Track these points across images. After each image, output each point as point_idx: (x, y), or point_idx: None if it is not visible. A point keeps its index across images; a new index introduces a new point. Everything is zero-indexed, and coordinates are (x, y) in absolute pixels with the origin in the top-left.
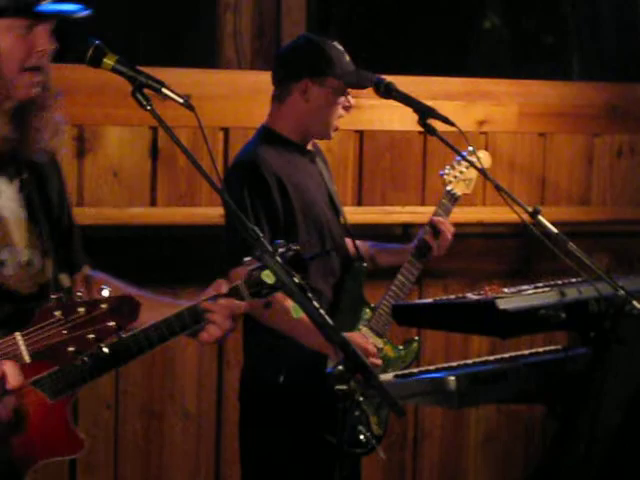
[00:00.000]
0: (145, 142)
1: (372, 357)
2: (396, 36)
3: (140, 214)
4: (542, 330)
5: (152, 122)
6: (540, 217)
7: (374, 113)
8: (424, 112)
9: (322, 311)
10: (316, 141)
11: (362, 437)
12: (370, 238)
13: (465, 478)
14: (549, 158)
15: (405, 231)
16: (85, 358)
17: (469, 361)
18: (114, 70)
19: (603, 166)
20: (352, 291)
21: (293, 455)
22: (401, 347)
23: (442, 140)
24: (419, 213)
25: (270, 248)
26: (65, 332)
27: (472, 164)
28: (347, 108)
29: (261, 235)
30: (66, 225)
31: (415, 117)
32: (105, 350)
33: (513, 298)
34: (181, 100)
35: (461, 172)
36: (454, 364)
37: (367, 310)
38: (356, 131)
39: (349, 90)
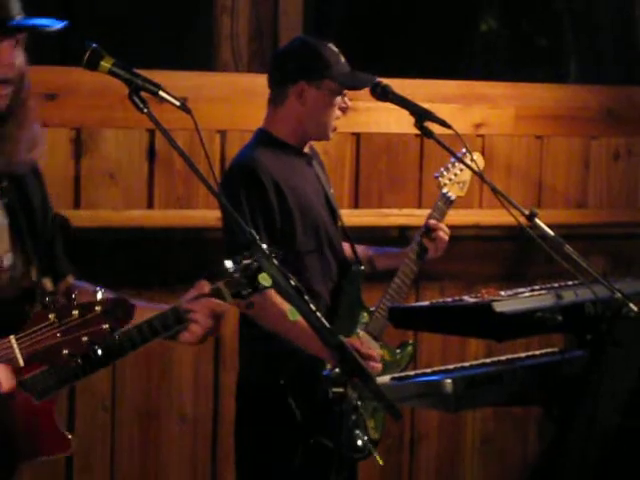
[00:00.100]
0: (142, 145)
1: (372, 362)
2: (392, 39)
3: (137, 217)
4: (539, 333)
5: (149, 125)
6: (537, 220)
7: (371, 116)
8: (421, 115)
9: (319, 314)
10: (313, 143)
11: (359, 442)
12: (367, 240)
13: None
14: (546, 161)
15: (402, 233)
16: (80, 361)
17: (466, 364)
18: (111, 73)
19: (600, 169)
20: (350, 294)
21: (289, 459)
22: (398, 350)
23: (439, 143)
24: (416, 215)
25: (267, 251)
26: (59, 335)
27: (469, 167)
28: (344, 110)
29: (258, 238)
30: (49, 233)
31: (412, 120)
32: (99, 352)
33: (510, 301)
34: (178, 103)
35: (455, 174)
36: (451, 367)
37: (365, 314)
38: (353, 133)
39: (345, 91)
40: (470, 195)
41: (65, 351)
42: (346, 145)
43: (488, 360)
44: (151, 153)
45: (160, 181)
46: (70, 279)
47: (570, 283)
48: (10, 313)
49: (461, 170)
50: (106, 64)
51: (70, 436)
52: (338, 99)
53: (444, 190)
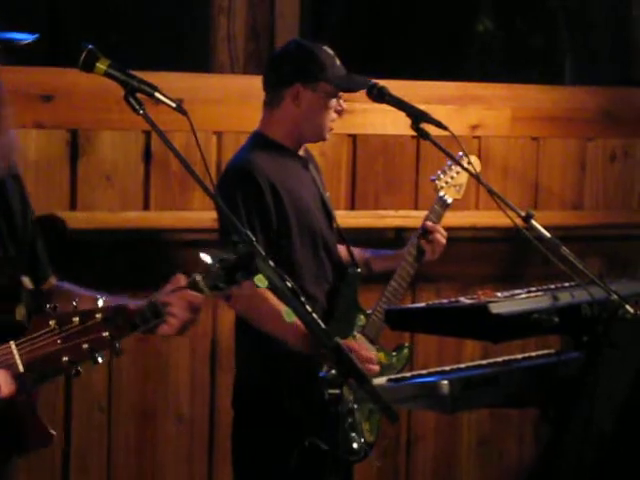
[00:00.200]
0: (138, 146)
1: (369, 364)
2: (389, 40)
3: (133, 218)
4: (535, 334)
5: (145, 126)
6: (533, 221)
7: (367, 117)
8: (417, 116)
9: (315, 315)
10: (308, 146)
11: (355, 445)
12: (363, 242)
13: None
14: (542, 162)
15: (398, 235)
16: (79, 368)
17: (462, 365)
18: (107, 74)
19: (596, 170)
20: (346, 297)
21: (285, 460)
22: (394, 353)
23: (435, 144)
24: (412, 217)
25: (263, 252)
26: (59, 341)
27: (466, 169)
28: (339, 112)
29: (254, 239)
30: (30, 235)
31: (408, 121)
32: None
33: (506, 302)
34: (174, 104)
35: (452, 177)
36: (447, 368)
37: (361, 316)
38: (349, 135)
39: (341, 94)
40: (466, 196)
41: (65, 358)
42: (342, 147)
43: (484, 361)
44: (147, 155)
45: (156, 183)
46: (53, 280)
47: (566, 284)
48: None
49: (457, 173)
50: (102, 66)
51: (53, 431)
52: (333, 102)
53: (441, 193)
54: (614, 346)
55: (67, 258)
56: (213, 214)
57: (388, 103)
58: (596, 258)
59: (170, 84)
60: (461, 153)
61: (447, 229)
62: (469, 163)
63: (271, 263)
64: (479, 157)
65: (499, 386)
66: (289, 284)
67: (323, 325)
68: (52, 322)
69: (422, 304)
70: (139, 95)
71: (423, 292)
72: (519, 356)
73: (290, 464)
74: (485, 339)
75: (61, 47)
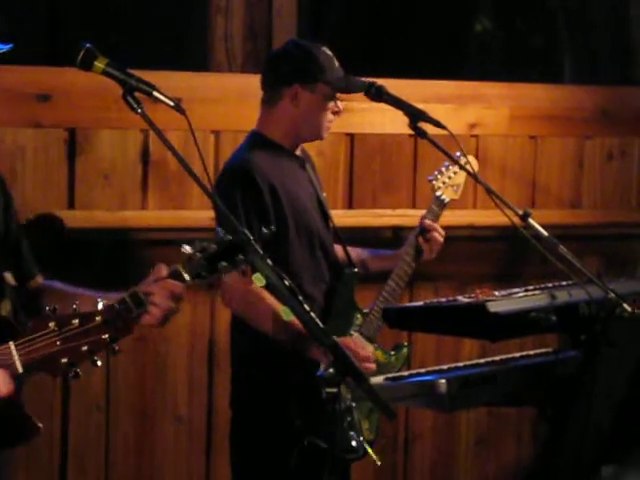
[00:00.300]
0: (136, 145)
1: (366, 362)
2: (387, 40)
3: (131, 217)
4: (533, 333)
5: (143, 125)
6: (530, 220)
7: (365, 116)
8: (415, 115)
9: (312, 314)
10: (306, 145)
11: (354, 443)
12: (360, 241)
13: None
14: (540, 161)
15: (395, 234)
16: (79, 371)
17: (460, 364)
18: (105, 73)
19: (594, 169)
20: (343, 297)
21: (284, 459)
22: (392, 352)
23: (433, 143)
24: (410, 216)
25: (261, 251)
26: (59, 343)
27: (464, 168)
28: (336, 113)
29: (252, 238)
30: (14, 236)
31: (406, 120)
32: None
33: (504, 301)
34: (172, 103)
35: (450, 177)
36: (445, 367)
37: (358, 315)
38: (347, 134)
39: (338, 95)
40: (464, 195)
41: (64, 360)
42: (340, 146)
43: (482, 360)
44: (145, 154)
45: (154, 181)
46: (39, 279)
47: (564, 283)
48: None
49: (455, 173)
50: (100, 64)
51: (39, 423)
52: (331, 103)
53: (438, 193)
54: (612, 345)
55: (65, 257)
56: (211, 213)
57: (386, 102)
58: (594, 257)
59: (168, 83)
60: (459, 153)
61: (445, 228)
62: (467, 163)
63: (269, 262)
64: (477, 156)
65: (497, 385)
66: (287, 283)
67: (321, 324)
68: (52, 324)
69: (420, 303)
70: (137, 94)
71: (421, 291)
72: (517, 355)
73: (288, 463)
74: (483, 338)
75: (61, 47)
